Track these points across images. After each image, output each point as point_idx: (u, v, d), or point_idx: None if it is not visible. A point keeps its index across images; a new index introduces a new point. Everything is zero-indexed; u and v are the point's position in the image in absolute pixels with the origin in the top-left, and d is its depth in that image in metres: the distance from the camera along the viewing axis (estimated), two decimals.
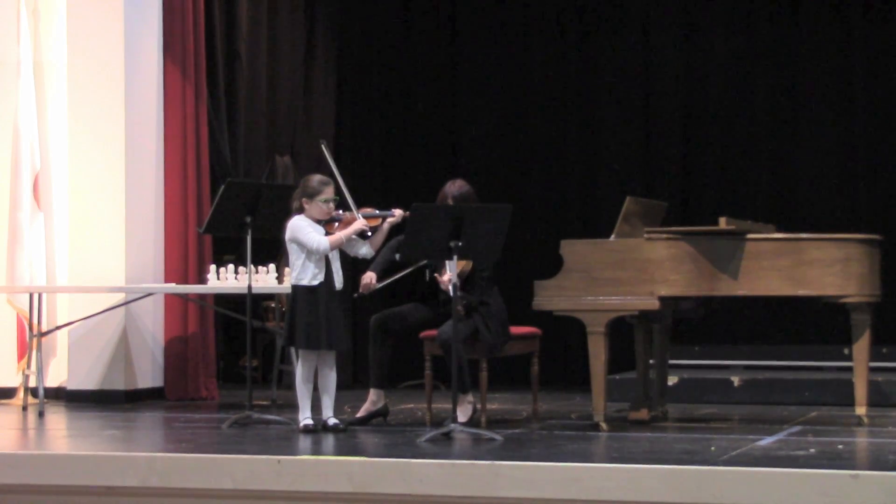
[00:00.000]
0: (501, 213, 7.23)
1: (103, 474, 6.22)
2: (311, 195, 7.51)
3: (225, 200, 7.94)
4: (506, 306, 7.83)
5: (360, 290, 7.78)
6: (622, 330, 8.03)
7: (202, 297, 9.61)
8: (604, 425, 7.43)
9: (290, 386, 8.23)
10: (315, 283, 7.47)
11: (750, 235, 7.40)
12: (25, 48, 9.70)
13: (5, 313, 9.60)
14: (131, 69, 9.56)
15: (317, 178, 7.59)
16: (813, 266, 7.34)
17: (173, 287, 9.31)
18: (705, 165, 11.07)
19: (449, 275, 7.46)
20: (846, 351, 8.81)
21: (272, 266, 8.88)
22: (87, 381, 9.43)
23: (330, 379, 7.59)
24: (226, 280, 8.90)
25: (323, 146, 7.82)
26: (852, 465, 6.08)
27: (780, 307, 10.01)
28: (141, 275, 9.46)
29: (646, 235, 7.44)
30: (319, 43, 11.40)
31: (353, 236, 7.54)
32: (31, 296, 9.11)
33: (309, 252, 7.45)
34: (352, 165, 11.16)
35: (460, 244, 7.12)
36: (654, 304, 7.38)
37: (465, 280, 7.63)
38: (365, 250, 7.64)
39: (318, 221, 7.53)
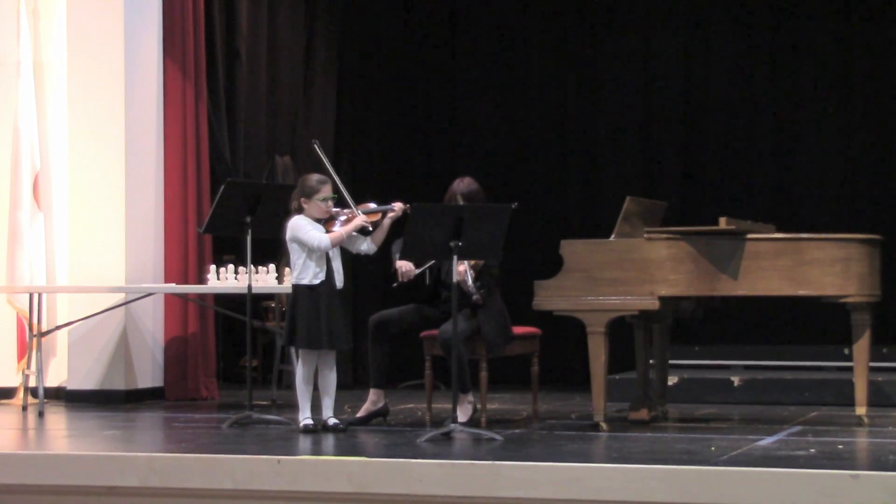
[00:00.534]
0: (502, 213, 7.22)
1: (103, 474, 6.21)
2: (310, 194, 7.51)
3: (225, 200, 7.93)
4: (506, 307, 7.83)
5: (401, 279, 7.72)
6: (622, 330, 8.03)
7: (202, 297, 9.61)
8: (604, 425, 7.43)
9: (290, 386, 8.23)
10: (316, 282, 7.47)
11: (750, 235, 7.40)
12: (25, 48, 9.70)
13: (5, 313, 9.60)
14: (131, 69, 9.56)
15: (314, 178, 7.59)
16: (813, 266, 7.34)
17: (173, 287, 9.31)
18: (705, 165, 11.08)
19: (464, 265, 7.47)
20: (846, 351, 8.82)
21: (272, 266, 8.88)
22: (87, 381, 9.43)
23: (330, 379, 7.59)
24: (226, 280, 8.91)
25: (315, 146, 7.82)
26: (852, 465, 6.08)
27: (780, 307, 10.00)
28: (141, 275, 9.46)
29: (646, 235, 7.44)
30: (319, 43, 11.40)
31: (354, 233, 7.54)
32: (31, 296, 9.11)
33: (310, 251, 7.44)
34: (352, 165, 11.16)
35: (460, 244, 7.12)
36: (654, 304, 7.38)
37: (475, 276, 7.64)
38: (366, 247, 7.63)
39: (318, 220, 7.53)
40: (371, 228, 7.53)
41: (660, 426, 7.76)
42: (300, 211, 7.54)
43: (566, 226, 10.78)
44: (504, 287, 7.90)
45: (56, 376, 9.60)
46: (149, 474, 6.14)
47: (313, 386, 7.59)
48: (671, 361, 8.60)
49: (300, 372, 7.57)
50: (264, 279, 8.78)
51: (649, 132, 11.22)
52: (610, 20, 11.35)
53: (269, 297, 10.31)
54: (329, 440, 7.20)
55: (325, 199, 7.51)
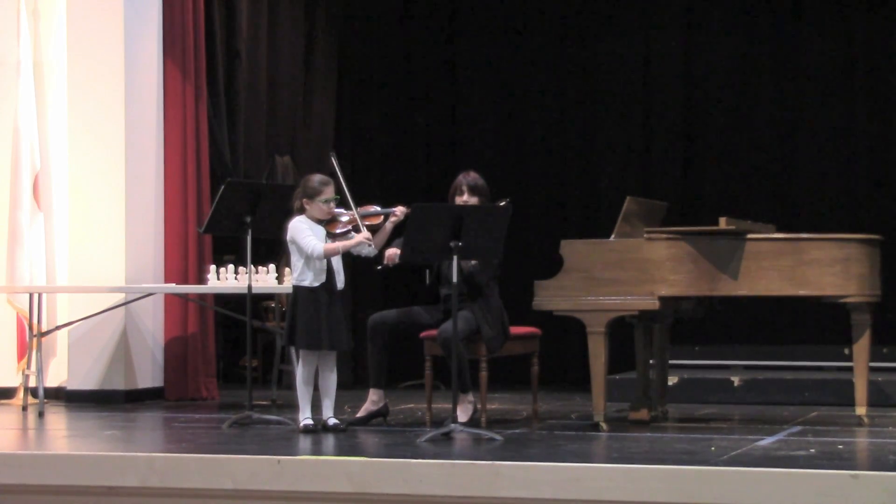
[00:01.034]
0: (502, 213, 7.23)
1: (103, 474, 6.21)
2: (312, 195, 7.51)
3: (225, 200, 7.93)
4: (504, 307, 7.83)
5: (385, 262, 7.73)
6: (622, 330, 8.03)
7: (202, 297, 9.61)
8: (604, 425, 7.43)
9: (290, 386, 8.23)
10: (316, 283, 7.47)
11: (750, 235, 7.40)
12: (25, 48, 9.69)
13: (5, 313, 9.60)
14: (131, 69, 9.56)
15: (317, 178, 7.59)
16: (813, 266, 7.34)
17: (173, 287, 9.31)
18: (705, 165, 11.08)
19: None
20: (846, 351, 8.81)
21: (272, 266, 8.88)
22: (87, 381, 9.43)
23: (330, 380, 7.59)
24: (226, 280, 8.91)
25: (332, 157, 7.76)
26: (852, 465, 6.08)
27: (780, 307, 10.00)
28: (141, 275, 9.46)
29: (646, 235, 7.44)
30: (319, 43, 11.39)
31: (353, 234, 7.54)
32: (31, 296, 9.11)
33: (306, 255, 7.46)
34: (352, 165, 11.16)
35: (460, 244, 7.12)
36: (654, 304, 7.38)
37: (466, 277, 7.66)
38: (367, 250, 7.62)
39: (319, 221, 7.53)
40: (371, 246, 7.51)
41: (660, 426, 7.76)
42: (302, 211, 7.54)
43: (566, 226, 10.77)
44: (504, 287, 7.90)
45: (56, 376, 9.60)
46: (149, 474, 6.14)
47: (313, 386, 7.59)
48: (671, 361, 8.60)
49: (300, 372, 7.57)
50: (264, 279, 8.78)
51: (649, 132, 11.21)
52: (609, 20, 11.34)
53: (269, 297, 10.31)
54: (329, 440, 7.20)
55: (327, 201, 7.51)
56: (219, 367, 10.38)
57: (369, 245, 7.48)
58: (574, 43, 11.40)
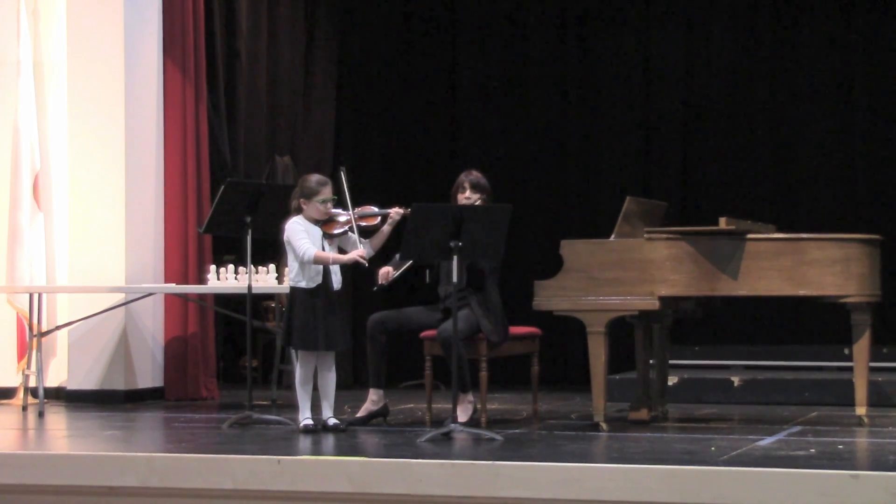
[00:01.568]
0: (502, 213, 7.23)
1: (103, 474, 6.21)
2: (309, 195, 7.51)
3: (225, 200, 7.93)
4: (504, 307, 7.83)
5: (380, 281, 7.74)
6: (622, 330, 8.03)
7: (202, 297, 9.61)
8: (604, 425, 7.43)
9: (290, 386, 8.23)
10: (312, 284, 7.47)
11: (750, 235, 7.40)
12: (25, 48, 9.69)
13: (5, 313, 9.60)
14: (131, 69, 9.56)
15: (314, 178, 7.59)
16: (813, 266, 7.34)
17: (173, 287, 9.31)
18: (705, 165, 11.08)
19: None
20: (846, 351, 8.82)
21: (272, 266, 8.88)
22: (87, 381, 9.43)
23: (329, 380, 7.59)
24: (226, 280, 8.91)
25: (342, 172, 7.73)
26: (852, 465, 6.08)
27: (780, 307, 10.00)
28: (141, 275, 9.46)
29: (646, 235, 7.44)
30: (319, 43, 11.39)
31: (352, 236, 7.54)
32: (31, 296, 9.11)
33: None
34: (352, 165, 11.14)
35: (460, 244, 7.12)
36: (654, 304, 7.37)
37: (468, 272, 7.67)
38: (365, 252, 7.62)
39: (317, 222, 7.53)
40: (367, 265, 7.51)
41: (660, 426, 7.76)
42: (299, 211, 7.54)
43: (566, 226, 10.77)
44: (504, 287, 7.90)
45: (56, 376, 9.60)
46: (149, 474, 6.14)
47: (313, 386, 7.60)
48: (671, 361, 8.60)
49: (299, 373, 7.57)
50: (264, 279, 8.78)
51: (649, 132, 11.21)
52: (610, 20, 11.34)
53: (269, 297, 10.30)
54: (329, 440, 7.20)
55: (324, 201, 7.51)
56: (219, 367, 10.38)
57: (365, 263, 7.46)
58: (574, 43, 11.40)
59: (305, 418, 7.51)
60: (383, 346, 7.80)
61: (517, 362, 8.38)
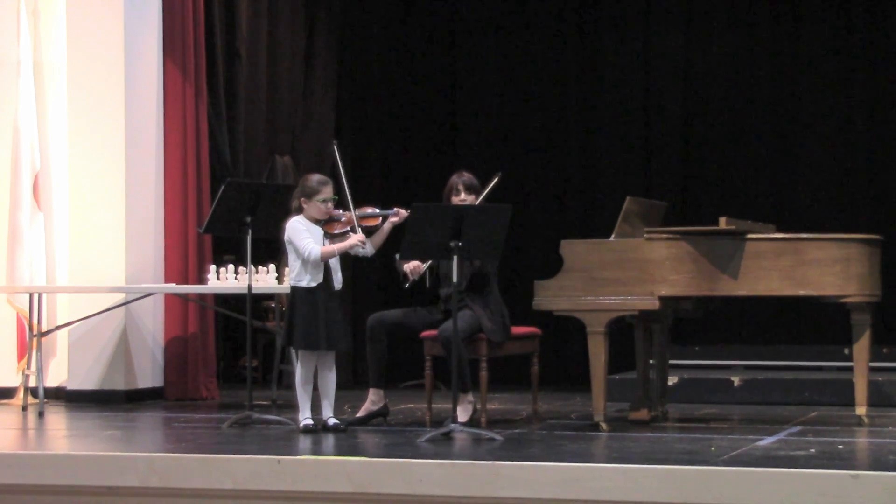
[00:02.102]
0: (502, 213, 7.23)
1: (103, 474, 6.21)
2: (310, 195, 7.51)
3: (225, 200, 7.93)
4: (504, 307, 7.83)
5: (412, 277, 7.73)
6: (622, 330, 8.03)
7: (202, 297, 9.61)
8: (604, 425, 7.43)
9: (290, 386, 8.23)
10: (314, 284, 7.47)
11: (750, 235, 7.40)
12: (25, 48, 9.69)
13: (5, 313, 9.60)
14: (131, 69, 9.56)
15: (315, 178, 7.59)
16: (813, 266, 7.34)
17: (173, 287, 9.31)
18: (705, 165, 11.08)
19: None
20: (846, 351, 8.82)
21: (272, 266, 8.88)
22: (87, 381, 9.43)
23: (329, 380, 7.59)
24: (226, 280, 8.91)
25: (335, 147, 7.77)
26: (852, 465, 6.08)
27: (780, 307, 10.00)
28: (141, 275, 9.46)
29: (646, 235, 7.44)
30: (319, 43, 11.39)
31: (351, 235, 7.53)
32: (31, 296, 9.11)
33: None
34: (352, 166, 11.15)
35: (460, 244, 7.12)
36: (654, 304, 7.37)
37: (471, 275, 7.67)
38: (362, 251, 7.61)
39: (317, 221, 7.53)
40: (364, 248, 7.51)
41: (660, 426, 7.76)
42: (300, 211, 7.54)
43: (566, 226, 10.77)
44: (504, 287, 7.90)
45: (56, 376, 9.60)
46: (149, 474, 6.14)
47: (313, 386, 7.60)
48: (671, 361, 8.60)
49: (299, 373, 7.57)
50: (264, 279, 8.78)
51: (649, 132, 11.22)
52: (610, 20, 11.35)
53: (269, 297, 10.30)
54: (329, 440, 7.20)
55: (325, 201, 7.51)
56: (219, 367, 10.37)
57: (363, 247, 7.47)
58: (574, 42, 11.40)
59: (305, 418, 7.51)
60: (383, 346, 7.80)
61: (517, 362, 8.38)
